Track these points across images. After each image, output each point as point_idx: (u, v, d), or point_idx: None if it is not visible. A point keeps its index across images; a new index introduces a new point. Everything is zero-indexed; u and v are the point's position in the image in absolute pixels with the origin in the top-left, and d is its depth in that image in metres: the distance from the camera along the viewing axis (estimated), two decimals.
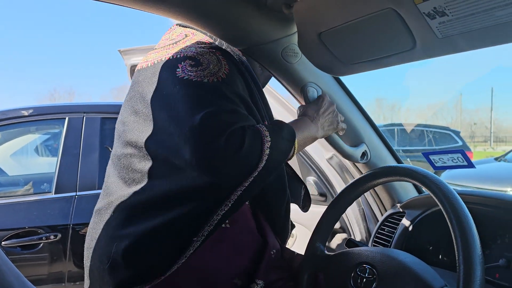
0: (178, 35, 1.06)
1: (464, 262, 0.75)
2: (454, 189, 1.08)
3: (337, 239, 1.70)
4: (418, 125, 7.97)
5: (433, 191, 0.86)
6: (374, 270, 0.92)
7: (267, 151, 0.86)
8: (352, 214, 1.63)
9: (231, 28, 1.09)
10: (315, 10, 0.93)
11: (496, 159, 5.94)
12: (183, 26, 1.10)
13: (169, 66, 0.93)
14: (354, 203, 1.64)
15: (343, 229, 1.68)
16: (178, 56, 0.95)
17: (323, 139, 1.24)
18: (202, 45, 0.98)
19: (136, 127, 0.95)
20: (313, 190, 1.74)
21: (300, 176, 1.81)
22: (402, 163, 1.43)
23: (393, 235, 1.35)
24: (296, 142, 0.96)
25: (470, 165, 1.30)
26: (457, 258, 0.77)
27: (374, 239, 1.45)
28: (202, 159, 0.81)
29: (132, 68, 1.81)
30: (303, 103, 1.23)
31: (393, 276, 0.88)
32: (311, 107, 1.13)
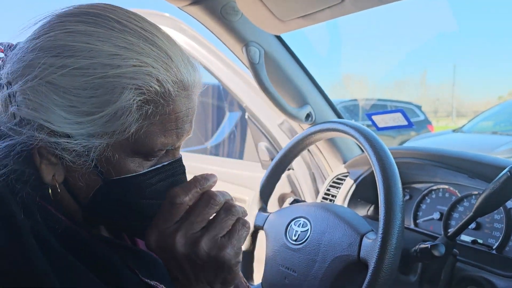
0: None
1: (385, 207, 0.78)
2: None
3: (288, 203, 1.73)
4: (381, 100, 8.13)
5: (359, 140, 0.88)
6: (308, 222, 0.94)
7: None
8: (302, 178, 1.66)
9: None
10: None
11: (453, 130, 6.19)
12: None
13: None
14: (304, 167, 1.66)
15: (294, 193, 1.70)
16: None
17: (270, 102, 1.23)
18: None
19: None
20: (264, 156, 1.75)
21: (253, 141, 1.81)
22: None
23: (337, 195, 1.38)
24: None
25: (410, 124, 1.34)
26: (379, 204, 0.79)
27: (321, 200, 1.48)
28: None
29: None
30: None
31: (325, 225, 0.90)
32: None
